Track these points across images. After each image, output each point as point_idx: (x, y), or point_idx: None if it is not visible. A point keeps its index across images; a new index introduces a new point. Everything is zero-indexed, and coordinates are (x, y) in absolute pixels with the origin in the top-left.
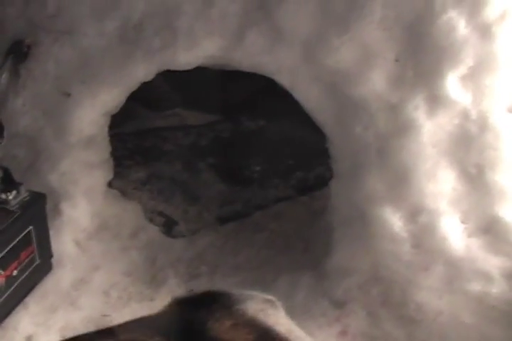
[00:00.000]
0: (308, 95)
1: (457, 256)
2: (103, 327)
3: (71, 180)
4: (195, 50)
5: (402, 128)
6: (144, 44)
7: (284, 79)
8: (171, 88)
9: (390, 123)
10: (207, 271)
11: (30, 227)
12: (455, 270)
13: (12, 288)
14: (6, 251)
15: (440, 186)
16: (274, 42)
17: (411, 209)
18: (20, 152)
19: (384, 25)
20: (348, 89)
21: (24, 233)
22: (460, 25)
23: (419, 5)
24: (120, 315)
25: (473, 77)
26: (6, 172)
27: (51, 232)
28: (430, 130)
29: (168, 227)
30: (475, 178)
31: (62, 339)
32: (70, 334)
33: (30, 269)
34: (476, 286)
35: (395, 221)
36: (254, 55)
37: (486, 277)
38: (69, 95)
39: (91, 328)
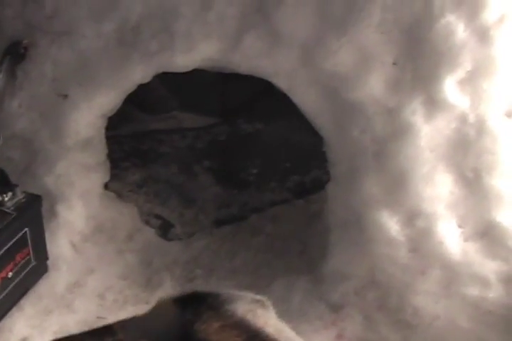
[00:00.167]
0: (306, 98)
1: (454, 261)
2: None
3: (67, 182)
4: (193, 53)
5: (399, 131)
6: (141, 46)
7: (281, 82)
8: (167, 90)
9: (388, 126)
10: (203, 274)
11: (26, 229)
12: (452, 274)
13: (7, 290)
14: (1, 252)
15: (437, 190)
16: (272, 45)
17: (408, 213)
18: (16, 154)
19: (382, 29)
20: (345, 93)
21: (20, 235)
22: (458, 29)
23: (418, 8)
24: (115, 318)
25: (471, 81)
26: (2, 174)
27: (47, 234)
28: (428, 134)
29: (164, 230)
30: (472, 182)
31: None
32: None
33: (26, 271)
34: (473, 291)
35: (391, 225)
36: (252, 57)
37: (483, 281)
38: (66, 97)
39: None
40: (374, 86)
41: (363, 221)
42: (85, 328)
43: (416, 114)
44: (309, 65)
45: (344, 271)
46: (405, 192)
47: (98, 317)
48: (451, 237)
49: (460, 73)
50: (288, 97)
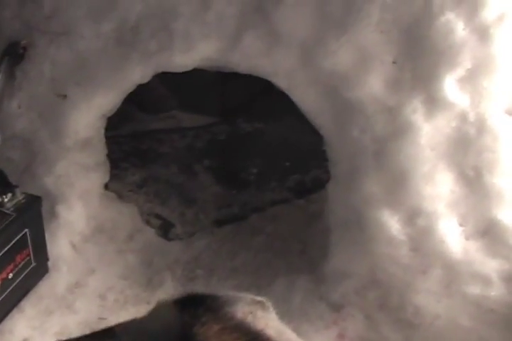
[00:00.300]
0: (306, 98)
1: (455, 259)
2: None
3: (67, 182)
4: (192, 53)
5: (399, 130)
6: (140, 46)
7: (281, 82)
8: (167, 90)
9: (388, 125)
10: (203, 274)
11: (26, 230)
12: (453, 273)
13: (7, 291)
14: (1, 253)
15: (438, 189)
16: (272, 45)
17: (409, 212)
18: (16, 154)
19: (381, 28)
20: (345, 92)
21: (20, 236)
22: (458, 28)
23: (417, 7)
24: (117, 319)
25: (471, 79)
26: (2, 175)
27: (47, 235)
28: (428, 132)
29: (165, 230)
30: (473, 181)
31: None
32: (66, 338)
33: (26, 272)
34: (474, 289)
35: (392, 224)
36: (252, 57)
37: (484, 280)
38: (65, 97)
39: (87, 332)
40: (374, 85)
41: (364, 220)
42: (86, 329)
43: (416, 113)
44: (309, 65)
45: (345, 270)
46: (406, 190)
47: (99, 318)
48: (452, 236)
49: (460, 71)
50: (288, 96)
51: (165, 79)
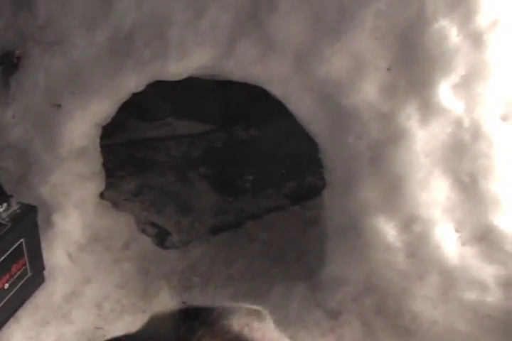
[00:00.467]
0: (301, 105)
1: (452, 265)
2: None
3: (62, 191)
4: (186, 61)
5: (394, 137)
6: (134, 55)
7: (276, 89)
8: (161, 98)
9: (383, 132)
10: (200, 282)
11: (22, 240)
12: (450, 279)
13: (3, 301)
14: None
15: (434, 195)
16: (266, 53)
17: (405, 218)
18: (11, 164)
19: (376, 35)
20: (340, 99)
21: (15, 246)
22: (452, 34)
23: (411, 13)
24: (113, 328)
25: (466, 85)
26: None
27: (43, 244)
28: (423, 139)
29: (161, 238)
30: (468, 187)
31: None
32: None
33: (22, 282)
34: (471, 295)
35: (388, 230)
36: (246, 65)
37: (481, 286)
38: (59, 106)
39: None
40: (368, 91)
41: (360, 226)
42: (83, 338)
43: (411, 119)
44: (303, 72)
45: (341, 276)
46: (402, 197)
47: (96, 328)
48: (448, 242)
49: (454, 77)
50: (282, 104)
51: (159, 86)
